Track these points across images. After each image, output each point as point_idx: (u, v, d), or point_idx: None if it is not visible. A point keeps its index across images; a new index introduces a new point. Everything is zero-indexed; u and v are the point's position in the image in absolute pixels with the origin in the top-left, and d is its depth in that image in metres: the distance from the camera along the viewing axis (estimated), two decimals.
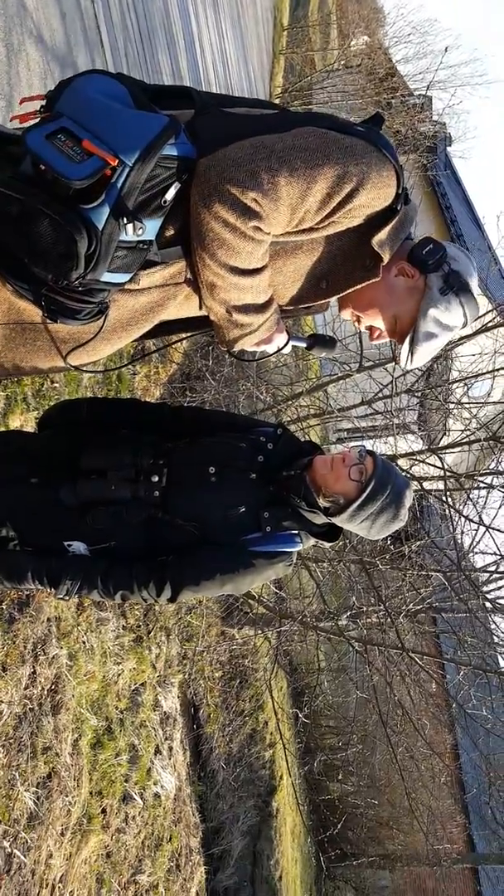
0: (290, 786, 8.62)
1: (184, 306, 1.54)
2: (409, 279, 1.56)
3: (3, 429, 3.02)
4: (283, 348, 1.62)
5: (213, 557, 1.74)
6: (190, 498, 1.75)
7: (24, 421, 3.17)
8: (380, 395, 5.48)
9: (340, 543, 5.11)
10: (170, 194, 1.35)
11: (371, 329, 1.66)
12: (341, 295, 1.58)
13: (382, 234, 1.46)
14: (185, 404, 5.16)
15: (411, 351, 1.60)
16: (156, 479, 1.75)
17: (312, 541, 1.90)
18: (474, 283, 1.58)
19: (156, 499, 1.74)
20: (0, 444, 1.96)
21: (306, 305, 1.61)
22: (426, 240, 1.56)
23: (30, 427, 3.17)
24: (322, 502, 1.79)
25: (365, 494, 1.75)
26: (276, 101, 13.44)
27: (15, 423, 3.11)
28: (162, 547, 1.75)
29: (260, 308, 1.48)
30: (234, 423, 1.99)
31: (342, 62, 15.21)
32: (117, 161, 1.24)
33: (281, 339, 1.59)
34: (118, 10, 4.38)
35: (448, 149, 16.23)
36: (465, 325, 1.60)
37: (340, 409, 5.73)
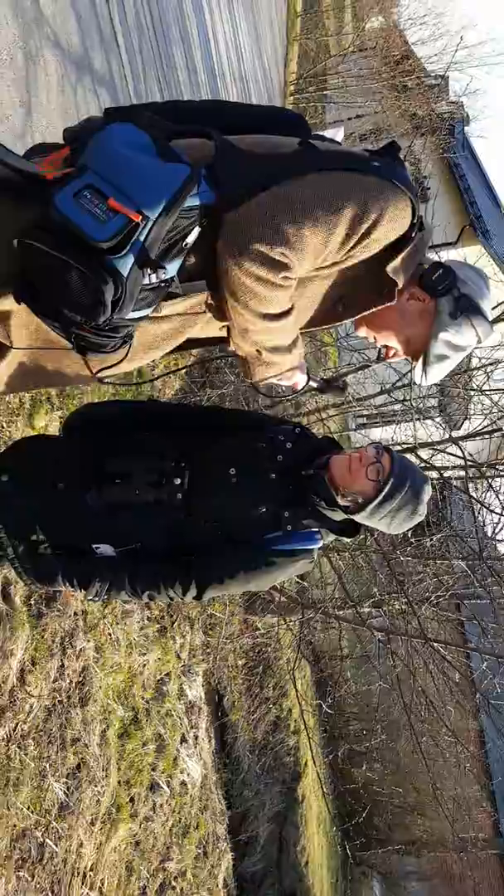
0: (314, 773, 8.70)
1: (205, 329, 1.60)
2: (420, 303, 1.61)
3: (30, 431, 3.08)
4: (302, 389, 1.71)
5: (236, 556, 1.77)
6: (211, 499, 1.79)
7: (48, 421, 3.23)
8: (398, 383, 5.48)
9: (362, 536, 5.13)
10: (190, 238, 1.42)
11: (386, 349, 1.71)
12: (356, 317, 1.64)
13: (397, 262, 1.51)
14: (206, 398, 5.20)
15: (425, 370, 1.66)
16: (178, 481, 1.78)
17: (332, 537, 1.93)
18: (486, 304, 1.62)
19: (179, 501, 1.78)
20: (26, 450, 2.00)
21: (322, 327, 1.67)
22: (436, 265, 1.60)
23: (54, 427, 3.23)
24: (341, 501, 1.81)
25: (383, 493, 1.77)
26: (291, 87, 13.33)
27: (40, 423, 3.17)
28: (186, 547, 1.78)
29: (287, 348, 1.56)
30: (253, 422, 2.02)
31: (357, 44, 15.04)
32: (141, 217, 1.29)
33: (301, 378, 1.69)
34: (132, 9, 4.39)
35: (466, 128, 15.97)
36: (478, 343, 1.64)
37: (359, 398, 5.73)
